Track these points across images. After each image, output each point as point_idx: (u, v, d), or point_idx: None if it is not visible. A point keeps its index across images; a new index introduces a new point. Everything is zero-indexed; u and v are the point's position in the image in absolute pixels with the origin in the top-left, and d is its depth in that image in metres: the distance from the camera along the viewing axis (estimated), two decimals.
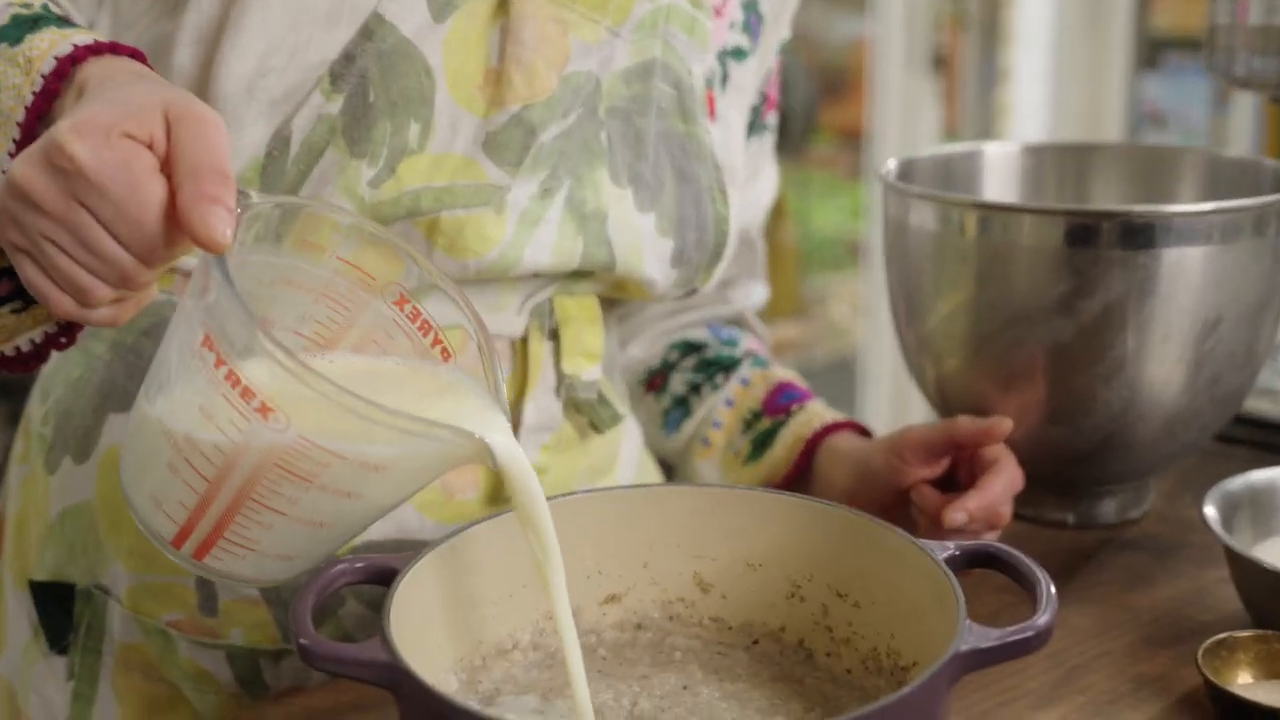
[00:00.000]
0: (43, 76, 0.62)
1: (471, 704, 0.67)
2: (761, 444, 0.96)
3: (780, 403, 0.97)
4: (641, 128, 0.83)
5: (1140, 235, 0.82)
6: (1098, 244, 0.83)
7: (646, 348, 1.02)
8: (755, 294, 1.06)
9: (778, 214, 2.92)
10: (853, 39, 3.85)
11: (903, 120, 3.09)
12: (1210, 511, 0.79)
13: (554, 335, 0.85)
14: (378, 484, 0.60)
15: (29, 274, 0.59)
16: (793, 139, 2.63)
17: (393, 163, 0.76)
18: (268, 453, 0.57)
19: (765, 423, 0.97)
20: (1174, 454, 0.91)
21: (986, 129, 3.55)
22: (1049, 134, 3.38)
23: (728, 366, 1.00)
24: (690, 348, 1.01)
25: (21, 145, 0.62)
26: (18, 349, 0.68)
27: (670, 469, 1.02)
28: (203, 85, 0.74)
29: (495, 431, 0.61)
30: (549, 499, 0.71)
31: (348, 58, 0.75)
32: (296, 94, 0.74)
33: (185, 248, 0.58)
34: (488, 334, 0.64)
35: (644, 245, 0.84)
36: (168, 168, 0.56)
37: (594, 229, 0.81)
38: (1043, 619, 0.59)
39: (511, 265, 0.79)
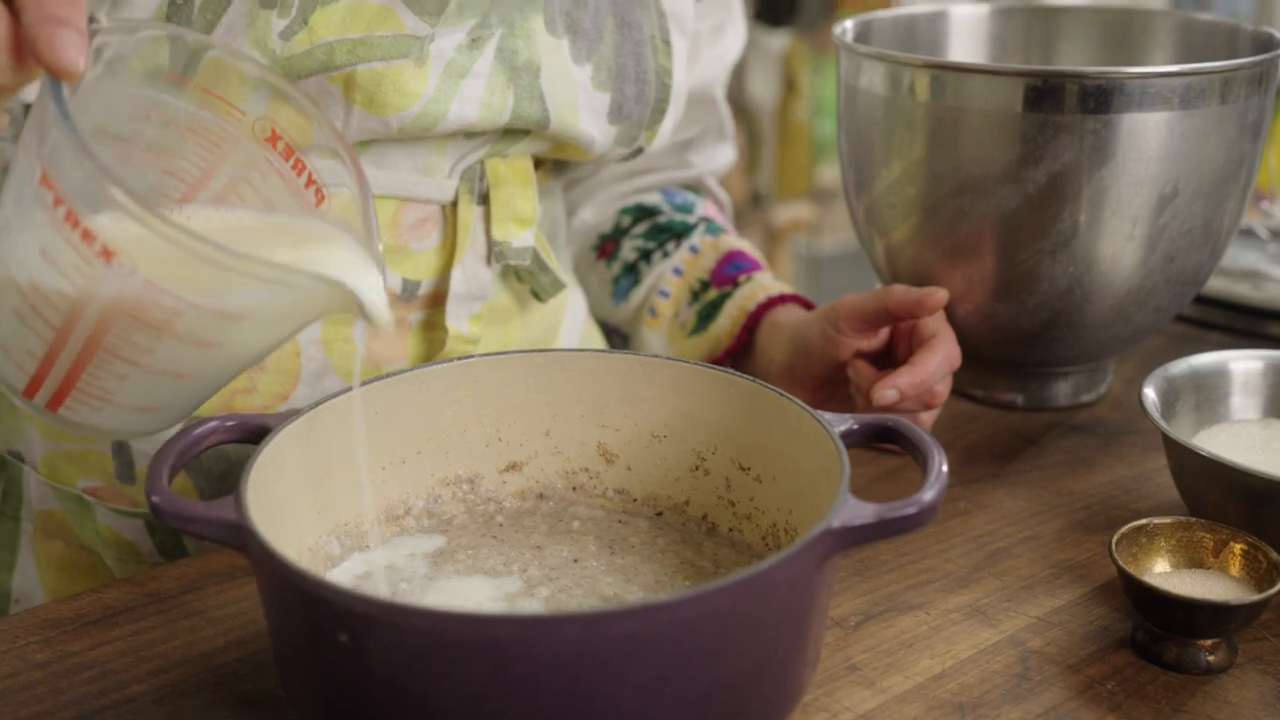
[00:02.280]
0: None
1: (339, 570, 0.65)
2: (707, 316, 0.93)
3: (728, 273, 0.93)
4: None
5: (1094, 98, 0.77)
6: (1050, 108, 0.78)
7: (598, 212, 0.98)
8: (720, 156, 1.01)
9: (791, 91, 2.84)
10: None
11: None
12: (1149, 394, 0.75)
13: (484, 200, 0.81)
14: (239, 333, 0.57)
15: None
16: (810, 15, 2.55)
17: (305, 12, 0.71)
18: (115, 300, 0.54)
19: (711, 293, 0.93)
20: (1128, 337, 0.87)
21: None
22: None
23: (679, 233, 0.96)
24: (643, 212, 0.98)
25: None
26: None
27: (621, 340, 0.99)
28: None
29: (360, 278, 0.57)
30: (447, 362, 0.69)
31: None
32: None
33: (32, 76, 0.54)
34: (363, 175, 0.61)
35: (579, 100, 0.79)
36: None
37: (526, 81, 0.77)
38: (929, 494, 0.56)
39: (435, 121, 0.74)
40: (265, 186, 0.62)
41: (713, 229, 0.97)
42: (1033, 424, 0.89)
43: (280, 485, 0.61)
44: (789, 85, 2.77)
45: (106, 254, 0.53)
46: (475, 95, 0.75)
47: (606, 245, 0.98)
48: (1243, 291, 1.04)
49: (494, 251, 0.81)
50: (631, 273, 0.97)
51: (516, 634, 0.49)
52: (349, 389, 0.65)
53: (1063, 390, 0.91)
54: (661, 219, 0.97)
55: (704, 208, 0.99)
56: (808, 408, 0.64)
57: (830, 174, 2.89)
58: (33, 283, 0.55)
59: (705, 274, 0.94)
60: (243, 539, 0.55)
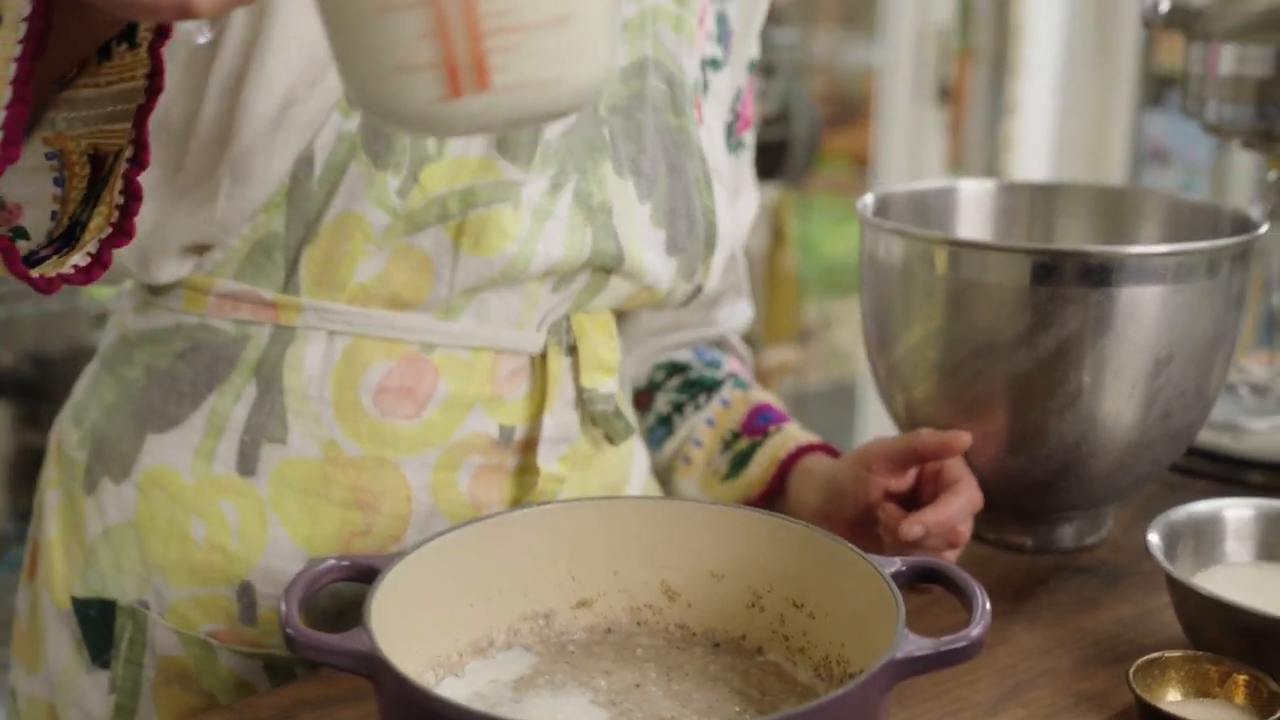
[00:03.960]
0: None
1: (439, 691, 0.72)
2: (739, 463, 1.01)
3: (758, 424, 1.02)
4: (640, 121, 0.87)
5: (1097, 274, 0.87)
6: (1057, 281, 0.87)
7: (633, 367, 1.07)
8: (739, 314, 1.10)
9: (779, 239, 2.97)
10: (864, 65, 3.91)
11: (909, 149, 3.14)
12: (1154, 539, 0.83)
13: (572, 351, 0.89)
14: None
15: None
16: (796, 164, 2.69)
17: (415, 170, 0.79)
18: None
19: (743, 443, 1.01)
20: (1128, 485, 0.95)
21: (992, 161, 3.60)
22: (1053, 168, 3.42)
23: (710, 387, 1.05)
24: (675, 368, 1.06)
25: None
26: (75, 266, 0.68)
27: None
28: (228, 127, 0.78)
29: None
30: (521, 510, 0.77)
31: None
32: (318, 118, 0.78)
33: None
34: None
35: (642, 235, 0.88)
36: None
37: (601, 220, 0.85)
38: (975, 630, 0.64)
39: (528, 261, 0.82)
40: None
41: (740, 384, 1.05)
42: (1042, 566, 0.97)
43: (389, 619, 0.68)
44: (777, 234, 2.91)
45: None
46: (558, 235, 0.83)
47: (641, 398, 1.07)
48: (1225, 442, 1.13)
49: (583, 398, 0.89)
50: (665, 424, 1.05)
51: None
52: (449, 530, 0.73)
53: (1068, 534, 0.99)
54: (693, 374, 1.06)
55: (730, 364, 1.08)
56: (858, 550, 0.72)
57: (814, 313, 3.01)
58: None
59: (737, 425, 1.02)
60: (372, 666, 0.62)
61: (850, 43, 4.13)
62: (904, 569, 0.71)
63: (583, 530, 0.78)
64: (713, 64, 0.97)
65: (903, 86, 3.11)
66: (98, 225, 0.69)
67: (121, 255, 0.80)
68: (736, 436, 1.02)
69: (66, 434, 0.91)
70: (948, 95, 3.16)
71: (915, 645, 0.63)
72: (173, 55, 0.75)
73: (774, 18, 2.54)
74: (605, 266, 0.86)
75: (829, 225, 4.03)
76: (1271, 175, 1.13)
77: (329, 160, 0.78)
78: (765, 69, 2.51)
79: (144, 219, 0.75)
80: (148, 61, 0.66)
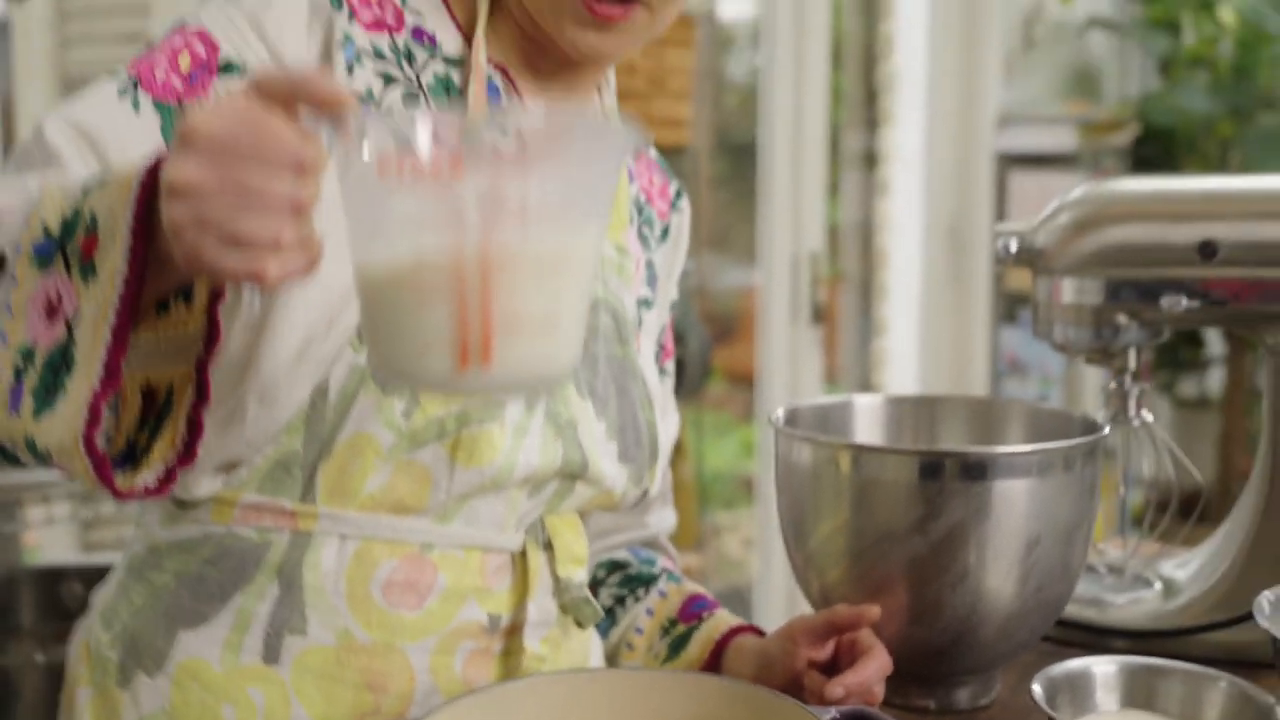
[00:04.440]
0: (143, 174, 0.74)
1: None
2: (678, 646, 1.15)
3: (692, 610, 1.17)
4: (594, 352, 1.04)
5: (975, 470, 1.05)
6: (943, 478, 1.05)
7: None
8: (667, 519, 1.26)
9: (678, 452, 3.16)
10: (745, 286, 4.18)
11: (789, 366, 3.36)
12: (1037, 689, 0.99)
13: (548, 546, 1.03)
14: (574, 210, 0.69)
15: (220, 260, 0.69)
16: (690, 382, 2.88)
17: (416, 395, 0.94)
18: (478, 204, 0.65)
19: (680, 628, 1.16)
20: (1012, 650, 1.11)
21: (865, 376, 3.86)
22: (920, 381, 3.68)
23: (647, 582, 1.19)
24: (615, 565, 1.21)
25: (135, 247, 0.74)
26: (151, 485, 0.82)
27: None
28: (253, 360, 0.91)
29: None
30: (510, 682, 0.90)
31: None
32: (333, 353, 0.92)
33: (320, 165, 0.69)
34: None
35: (599, 447, 1.03)
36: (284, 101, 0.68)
37: (569, 434, 1.00)
38: None
39: (512, 469, 0.96)
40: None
41: (673, 577, 1.21)
42: None
43: None
44: (677, 448, 3.08)
45: (455, 168, 0.64)
46: (535, 447, 0.98)
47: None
48: (1091, 615, 1.31)
49: (560, 586, 1.03)
50: (609, 615, 1.19)
51: None
52: (449, 702, 0.86)
53: (964, 696, 1.15)
54: (631, 570, 1.21)
55: (663, 561, 1.23)
56: (799, 703, 0.86)
57: (710, 520, 3.17)
58: (413, 256, 0.66)
59: (673, 613, 1.17)
60: None
61: (728, 266, 4.43)
62: (838, 715, 0.85)
63: (562, 698, 0.91)
64: (645, 303, 1.15)
65: (781, 307, 3.35)
66: (162, 450, 0.83)
67: None
68: (674, 623, 1.16)
69: (97, 636, 1.01)
70: (822, 315, 3.41)
71: None
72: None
73: None
74: (573, 473, 1.01)
75: (714, 439, 4.24)
76: (1112, 385, 1.33)
77: (343, 389, 0.93)
78: None
79: None
80: (204, 319, 0.81)
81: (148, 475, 0.82)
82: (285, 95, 0.69)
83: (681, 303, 1.29)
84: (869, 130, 4.06)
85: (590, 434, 1.02)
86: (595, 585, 1.20)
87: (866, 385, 3.85)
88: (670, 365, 1.23)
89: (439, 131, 0.67)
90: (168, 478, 0.82)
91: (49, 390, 0.77)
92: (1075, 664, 1.03)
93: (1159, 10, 3.70)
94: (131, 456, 0.84)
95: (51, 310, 0.78)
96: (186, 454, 0.82)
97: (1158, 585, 1.36)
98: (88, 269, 0.76)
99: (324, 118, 0.68)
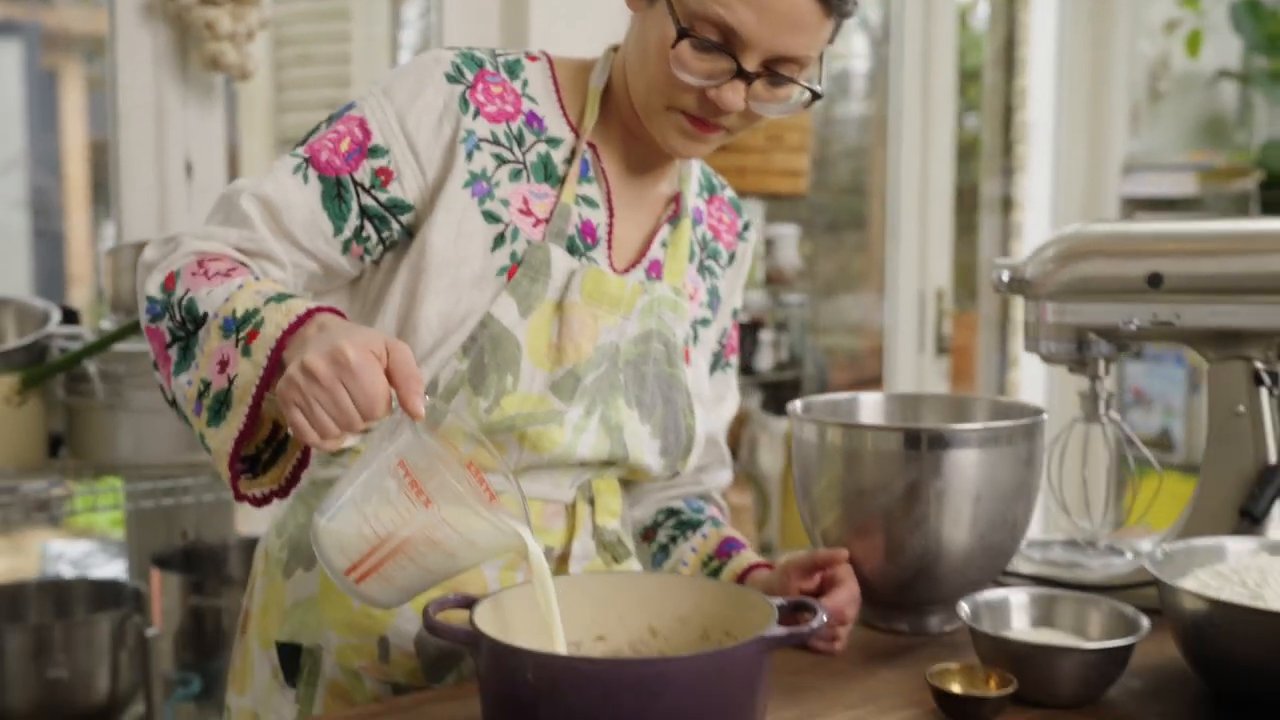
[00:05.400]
0: (297, 316, 1.15)
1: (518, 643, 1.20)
2: (713, 576, 1.50)
3: (725, 550, 1.51)
4: (644, 372, 1.40)
5: (932, 442, 1.38)
6: (905, 447, 1.38)
7: (644, 511, 1.57)
8: (721, 477, 1.60)
9: (790, 462, 3.49)
10: (871, 321, 4.50)
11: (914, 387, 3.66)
12: (963, 608, 1.31)
13: (591, 501, 1.40)
14: (467, 552, 1.12)
15: (297, 420, 1.07)
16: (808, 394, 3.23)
17: (498, 398, 1.30)
18: (423, 525, 1.09)
19: (715, 563, 1.51)
20: (966, 586, 1.42)
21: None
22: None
23: (695, 525, 1.54)
24: (671, 513, 1.57)
25: (272, 358, 1.14)
26: (257, 496, 1.22)
27: None
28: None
29: (528, 536, 1.13)
30: (563, 576, 1.26)
31: (472, 338, 1.31)
32: (444, 360, 1.29)
33: (384, 415, 1.13)
34: (520, 488, 1.16)
35: (643, 444, 1.39)
36: (388, 371, 1.10)
37: (616, 435, 1.37)
38: (812, 626, 1.12)
39: (567, 457, 1.33)
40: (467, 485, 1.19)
41: (716, 523, 1.55)
42: (915, 642, 1.44)
43: (481, 625, 1.17)
44: (790, 458, 3.41)
45: (428, 502, 1.09)
46: (589, 443, 1.34)
47: (648, 533, 1.56)
48: (1067, 575, 1.60)
49: (597, 531, 1.39)
50: (664, 550, 1.54)
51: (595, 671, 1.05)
52: (519, 584, 1.23)
53: (934, 622, 1.47)
54: (683, 516, 1.56)
55: (710, 510, 1.58)
56: (762, 595, 1.20)
57: None
58: (376, 513, 1.10)
59: (711, 550, 1.52)
60: (475, 639, 1.11)
61: (847, 301, 4.80)
62: (785, 602, 1.19)
63: (600, 591, 1.27)
64: (703, 322, 1.50)
65: (907, 339, 3.66)
66: (273, 477, 1.22)
67: None
68: (711, 558, 1.51)
69: (271, 541, 1.42)
70: (946, 347, 3.70)
71: (778, 631, 1.11)
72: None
73: (785, 284, 3.12)
74: (615, 462, 1.38)
75: None
76: (1085, 388, 1.64)
77: (447, 385, 1.30)
78: (778, 325, 3.08)
79: None
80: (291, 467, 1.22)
81: (257, 492, 1.22)
82: (400, 376, 1.08)
83: (798, 331, 1.65)
84: (1006, 177, 4.33)
85: (635, 434, 1.38)
86: (655, 527, 1.56)
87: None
88: (734, 359, 1.59)
89: (442, 485, 1.06)
90: (267, 500, 1.23)
91: (214, 415, 1.18)
92: (996, 593, 1.35)
93: None
94: (255, 464, 1.23)
95: (223, 365, 1.17)
96: (284, 491, 1.22)
97: (1129, 555, 1.65)
98: (247, 350, 1.15)
99: (401, 406, 1.09)
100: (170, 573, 2.33)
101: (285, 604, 1.38)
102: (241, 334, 1.16)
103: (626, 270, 1.40)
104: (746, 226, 1.58)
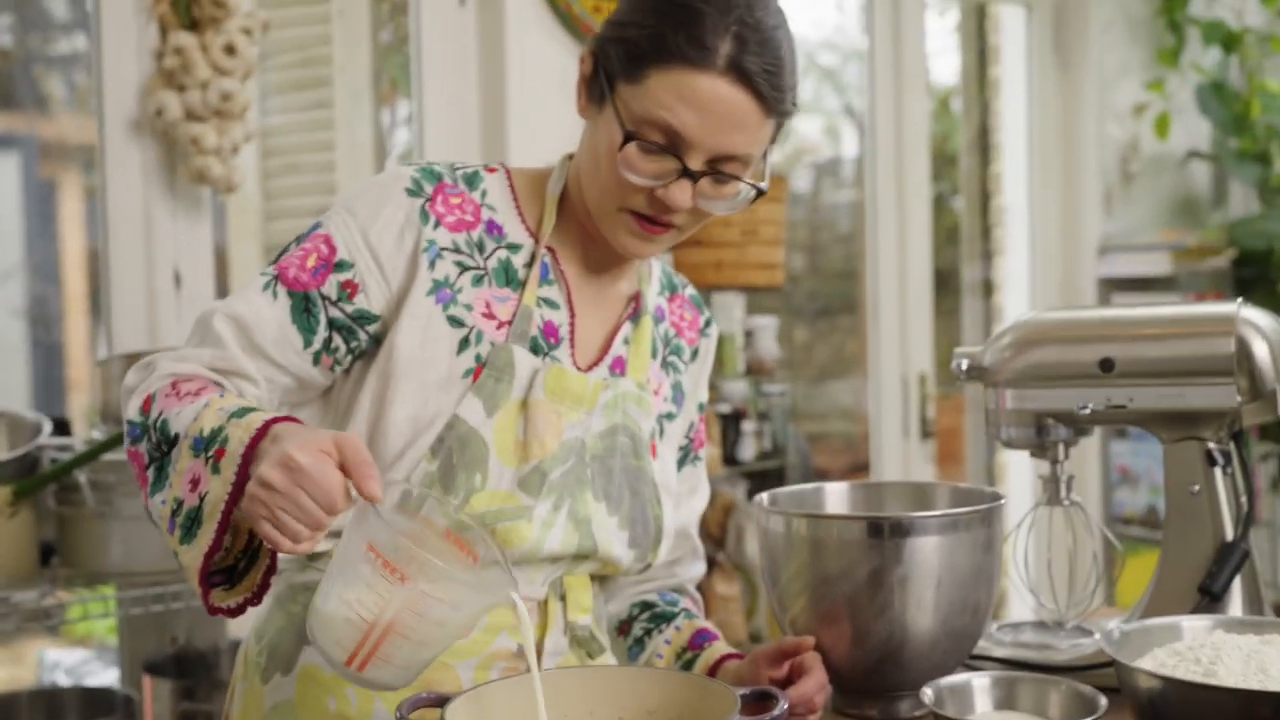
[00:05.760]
0: (256, 430, 1.20)
1: None
2: (686, 668, 1.53)
3: (698, 641, 1.55)
4: (611, 465, 1.45)
5: (892, 530, 1.42)
6: (865, 535, 1.42)
7: (619, 605, 1.60)
8: (694, 569, 1.64)
9: None
10: (853, 406, 4.56)
11: (902, 476, 3.69)
12: (927, 694, 1.34)
13: (563, 598, 1.44)
14: (455, 616, 1.15)
15: (267, 531, 1.13)
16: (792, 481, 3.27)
17: (468, 496, 1.35)
18: (404, 603, 1.12)
19: (689, 654, 1.54)
20: (931, 671, 1.45)
21: (990, 485, 4.16)
22: (1035, 491, 3.94)
23: (669, 618, 1.58)
24: (645, 606, 1.60)
25: (239, 474, 1.19)
26: (232, 607, 1.26)
27: None
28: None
29: (513, 589, 1.18)
30: (544, 670, 1.30)
31: (440, 439, 1.36)
32: (414, 464, 1.34)
33: (348, 508, 1.17)
34: (505, 558, 1.21)
35: (612, 536, 1.44)
36: (341, 466, 1.15)
37: (584, 528, 1.41)
38: (776, 711, 1.16)
39: (535, 553, 1.38)
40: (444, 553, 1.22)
41: (689, 615, 1.59)
42: None
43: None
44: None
45: (404, 579, 1.12)
46: (557, 537, 1.39)
47: (623, 626, 1.60)
48: (1036, 657, 1.64)
49: (569, 627, 1.43)
50: (639, 644, 1.58)
51: None
52: (489, 683, 1.27)
53: (904, 707, 1.49)
54: (658, 609, 1.59)
55: (684, 602, 1.62)
56: (728, 687, 1.24)
57: None
58: (359, 599, 1.13)
59: (684, 642, 1.55)
60: None
61: (828, 387, 4.87)
62: (748, 692, 1.23)
63: (571, 685, 1.31)
64: (668, 417, 1.55)
65: (891, 422, 3.70)
66: (244, 589, 1.26)
67: None
68: (684, 650, 1.55)
69: (250, 646, 1.46)
70: (931, 431, 3.75)
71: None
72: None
73: (765, 374, 3.17)
74: (585, 555, 1.42)
75: None
76: (1044, 471, 1.68)
77: (419, 486, 1.35)
78: (760, 415, 3.13)
79: None
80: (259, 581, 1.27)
81: (231, 603, 1.27)
82: (350, 464, 1.14)
83: (780, 419, 1.69)
84: (986, 261, 4.40)
85: (603, 526, 1.42)
86: (630, 620, 1.59)
87: None
88: (703, 453, 1.64)
89: (412, 559, 1.10)
90: (241, 609, 1.27)
91: (186, 533, 1.22)
92: (959, 677, 1.39)
93: (1248, 142, 3.98)
94: (233, 574, 1.28)
95: (195, 483, 1.22)
96: (256, 599, 1.27)
97: (1097, 635, 1.68)
98: (216, 469, 1.21)
99: (359, 495, 1.14)
100: (161, 678, 2.36)
101: (264, 709, 1.41)
102: (209, 453, 1.21)
103: (590, 368, 1.45)
104: (709, 323, 1.63)
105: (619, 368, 1.48)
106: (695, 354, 1.61)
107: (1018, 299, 4.17)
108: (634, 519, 1.45)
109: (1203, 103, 4.05)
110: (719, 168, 1.34)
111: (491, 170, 1.46)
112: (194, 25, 2.43)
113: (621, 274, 1.50)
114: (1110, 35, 4.08)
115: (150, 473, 1.27)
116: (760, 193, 1.38)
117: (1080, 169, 4.04)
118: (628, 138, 1.32)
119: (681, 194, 1.33)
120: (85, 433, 2.55)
